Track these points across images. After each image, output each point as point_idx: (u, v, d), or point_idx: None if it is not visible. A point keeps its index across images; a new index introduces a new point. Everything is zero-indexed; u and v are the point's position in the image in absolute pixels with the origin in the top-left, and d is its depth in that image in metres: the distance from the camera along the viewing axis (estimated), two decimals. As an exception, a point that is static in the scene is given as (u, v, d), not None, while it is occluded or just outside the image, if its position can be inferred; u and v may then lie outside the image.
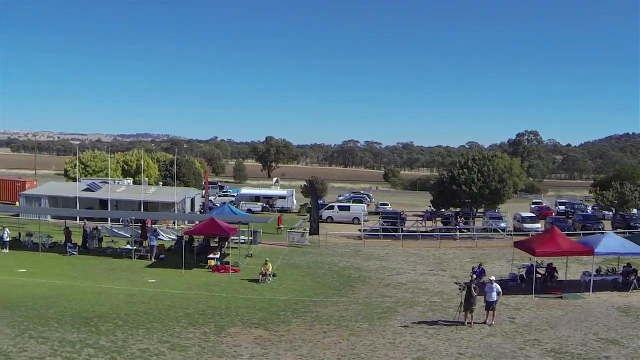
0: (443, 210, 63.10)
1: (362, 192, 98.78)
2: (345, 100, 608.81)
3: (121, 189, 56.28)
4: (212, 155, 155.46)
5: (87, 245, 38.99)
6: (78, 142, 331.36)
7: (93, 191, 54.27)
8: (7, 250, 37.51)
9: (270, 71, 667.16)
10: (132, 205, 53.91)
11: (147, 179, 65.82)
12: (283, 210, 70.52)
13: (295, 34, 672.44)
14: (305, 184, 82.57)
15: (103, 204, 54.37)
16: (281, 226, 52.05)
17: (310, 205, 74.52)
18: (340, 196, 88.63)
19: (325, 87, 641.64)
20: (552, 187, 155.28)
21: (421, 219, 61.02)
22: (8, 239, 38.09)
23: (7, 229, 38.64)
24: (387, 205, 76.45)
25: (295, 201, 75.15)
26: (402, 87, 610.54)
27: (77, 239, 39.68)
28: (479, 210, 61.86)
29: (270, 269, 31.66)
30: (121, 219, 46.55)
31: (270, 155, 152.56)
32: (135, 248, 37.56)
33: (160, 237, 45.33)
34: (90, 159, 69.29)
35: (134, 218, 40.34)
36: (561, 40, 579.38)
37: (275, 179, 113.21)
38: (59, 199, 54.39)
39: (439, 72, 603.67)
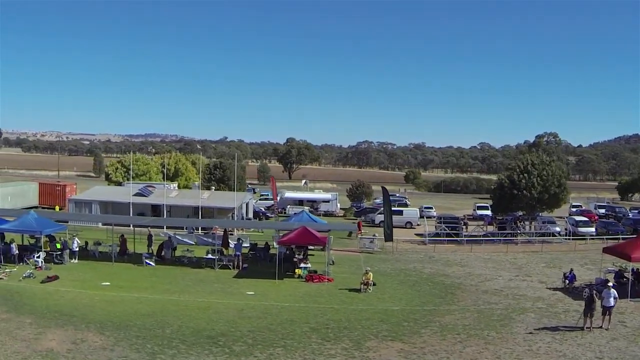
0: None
1: (397, 194, 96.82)
2: (357, 101, 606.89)
3: (173, 194, 54.42)
4: (232, 156, 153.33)
5: (163, 254, 37.20)
6: (87, 142, 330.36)
7: (145, 196, 52.40)
8: (76, 260, 35.71)
9: (279, 71, 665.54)
10: (185, 210, 52.28)
11: (196, 182, 64.00)
12: (328, 214, 69.21)
13: (305, 34, 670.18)
14: (351, 186, 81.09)
15: (155, 209, 52.68)
16: (360, 233, 49.51)
17: (356, 208, 73.53)
18: (376, 199, 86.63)
19: (336, 87, 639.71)
20: (572, 189, 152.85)
21: (482, 223, 59.52)
22: (77, 249, 36.23)
23: (77, 238, 36.77)
24: (431, 208, 74.91)
25: (338, 204, 73.57)
26: (413, 87, 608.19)
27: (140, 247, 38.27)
28: (539, 215, 60.47)
29: (371, 278, 30.63)
30: (187, 227, 44.63)
31: (292, 156, 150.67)
32: (218, 257, 35.69)
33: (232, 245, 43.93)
34: (132, 162, 67.24)
35: (218, 227, 38.52)
36: (568, 40, 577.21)
37: (303, 181, 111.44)
38: (110, 204, 52.44)
39: (449, 72, 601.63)
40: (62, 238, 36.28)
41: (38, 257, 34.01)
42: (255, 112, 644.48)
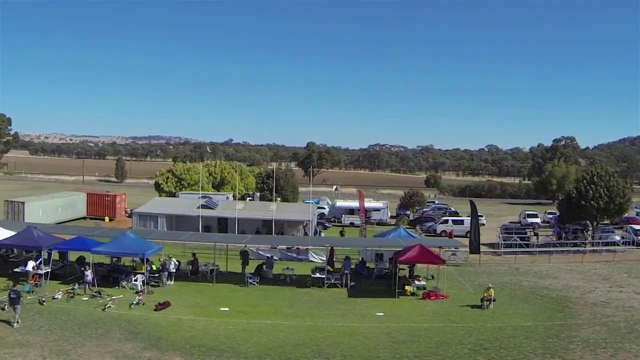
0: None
1: (437, 201, 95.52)
2: (365, 103, 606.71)
3: (240, 206, 52.86)
4: (252, 160, 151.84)
5: (262, 272, 35.86)
6: (92, 144, 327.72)
7: (211, 208, 50.83)
8: (172, 282, 34.06)
9: (285, 74, 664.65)
10: (254, 224, 50.84)
11: (250, 192, 62.49)
12: (380, 223, 68.15)
13: (309, 33, 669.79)
14: (404, 195, 79.83)
15: (222, 222, 51.21)
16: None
17: (409, 217, 72.28)
18: (423, 208, 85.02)
19: (344, 89, 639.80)
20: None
21: (550, 232, 59.06)
22: (174, 270, 34.68)
23: (174, 259, 35.17)
24: (481, 216, 73.57)
25: (388, 213, 72.35)
26: (420, 90, 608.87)
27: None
28: (605, 223, 60.33)
29: (493, 294, 30.38)
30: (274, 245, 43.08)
31: (312, 160, 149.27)
32: (326, 276, 34.48)
33: (311, 258, 42.57)
34: (183, 171, 65.61)
35: (327, 245, 37.26)
36: (571, 42, 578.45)
37: (334, 187, 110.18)
38: (177, 217, 50.74)
39: (455, 74, 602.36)
40: (160, 259, 34.48)
41: (136, 280, 32.49)
42: (260, 114, 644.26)
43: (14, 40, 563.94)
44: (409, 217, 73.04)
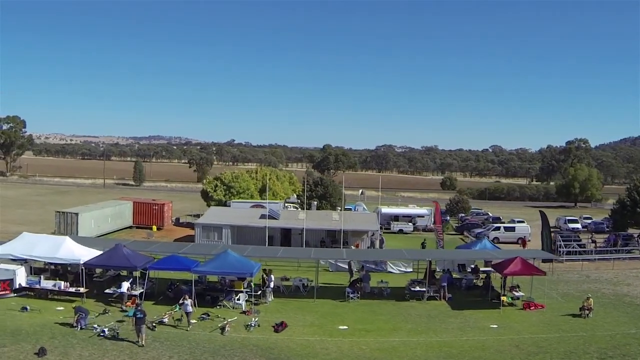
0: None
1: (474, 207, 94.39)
2: (369, 103, 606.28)
3: (302, 215, 51.70)
4: (268, 162, 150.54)
5: (359, 285, 35.11)
6: (93, 144, 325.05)
7: (275, 219, 49.61)
8: (271, 298, 33.05)
9: (287, 74, 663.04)
10: (318, 234, 49.69)
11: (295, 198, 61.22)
12: (427, 230, 67.30)
13: (311, 33, 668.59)
14: (450, 201, 79.11)
15: (285, 233, 50.05)
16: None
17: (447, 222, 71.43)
18: (466, 214, 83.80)
19: (347, 90, 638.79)
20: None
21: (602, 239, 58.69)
22: (272, 286, 33.60)
23: (272, 274, 34.07)
24: (522, 222, 72.81)
25: (432, 219, 71.30)
26: (424, 90, 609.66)
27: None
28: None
29: (592, 304, 31.05)
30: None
31: (329, 162, 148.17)
32: (427, 289, 34.29)
33: (389, 269, 41.77)
34: (232, 179, 64.26)
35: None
36: (571, 44, 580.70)
37: (360, 191, 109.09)
38: (242, 228, 49.42)
39: (458, 74, 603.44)
40: (263, 275, 33.40)
41: (238, 299, 31.48)
42: (262, 114, 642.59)
43: (10, 38, 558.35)
44: (447, 222, 72.34)
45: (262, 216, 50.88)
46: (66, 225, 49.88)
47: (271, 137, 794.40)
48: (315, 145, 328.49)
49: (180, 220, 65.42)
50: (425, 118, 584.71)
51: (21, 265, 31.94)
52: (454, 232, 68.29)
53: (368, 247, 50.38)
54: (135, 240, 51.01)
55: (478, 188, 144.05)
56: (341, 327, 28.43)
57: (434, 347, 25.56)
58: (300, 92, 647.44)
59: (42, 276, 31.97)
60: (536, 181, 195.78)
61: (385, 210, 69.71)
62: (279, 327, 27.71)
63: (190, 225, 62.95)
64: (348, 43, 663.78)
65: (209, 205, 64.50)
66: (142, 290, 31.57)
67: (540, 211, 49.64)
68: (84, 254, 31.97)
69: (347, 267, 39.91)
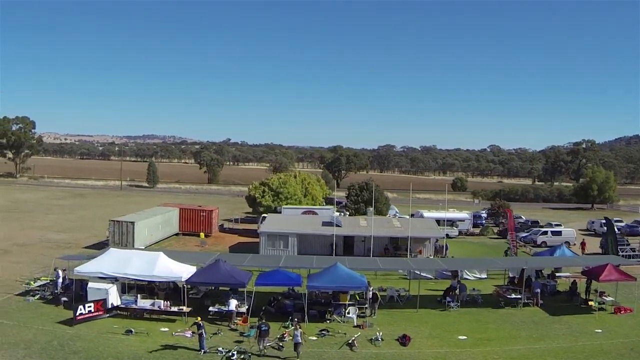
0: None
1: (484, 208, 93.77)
2: (368, 102, 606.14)
3: (362, 222, 50.67)
4: (279, 163, 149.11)
5: (454, 293, 34.70)
6: (88, 142, 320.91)
7: (338, 226, 48.48)
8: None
9: (279, 72, 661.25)
10: (383, 241, 48.68)
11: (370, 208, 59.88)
12: (468, 234, 67.01)
13: (309, 31, 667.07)
14: (491, 205, 78.35)
15: (348, 241, 48.97)
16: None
17: (501, 227, 70.68)
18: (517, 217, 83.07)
19: (344, 89, 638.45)
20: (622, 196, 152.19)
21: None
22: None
23: (372, 288, 32.93)
24: (560, 225, 72.38)
25: (472, 223, 70.82)
26: (422, 90, 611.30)
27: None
28: None
29: None
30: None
31: (341, 163, 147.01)
32: (518, 296, 34.48)
33: (466, 276, 41.26)
34: (279, 185, 62.90)
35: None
36: (567, 39, 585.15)
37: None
38: (308, 236, 48.11)
39: (457, 74, 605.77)
40: (371, 288, 32.38)
41: (348, 312, 30.46)
42: (257, 113, 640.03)
43: (3, 37, 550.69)
44: (488, 227, 71.66)
45: (325, 223, 49.86)
46: (121, 234, 48.19)
47: (267, 136, 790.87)
48: (312, 144, 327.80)
49: (224, 227, 63.92)
50: (423, 118, 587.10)
51: (113, 283, 30.26)
52: (496, 237, 67.54)
53: (433, 254, 49.64)
54: (200, 249, 50.12)
55: (492, 189, 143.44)
56: (460, 337, 28.20)
57: (559, 353, 25.80)
58: (298, 92, 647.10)
59: (138, 295, 30.33)
60: (538, 181, 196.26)
61: (428, 214, 68.79)
62: (404, 340, 27.07)
63: (237, 232, 61.75)
64: (346, 43, 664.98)
65: (258, 212, 63.27)
66: (247, 307, 30.25)
67: (605, 218, 49.06)
68: (181, 270, 30.56)
69: (425, 275, 39.25)
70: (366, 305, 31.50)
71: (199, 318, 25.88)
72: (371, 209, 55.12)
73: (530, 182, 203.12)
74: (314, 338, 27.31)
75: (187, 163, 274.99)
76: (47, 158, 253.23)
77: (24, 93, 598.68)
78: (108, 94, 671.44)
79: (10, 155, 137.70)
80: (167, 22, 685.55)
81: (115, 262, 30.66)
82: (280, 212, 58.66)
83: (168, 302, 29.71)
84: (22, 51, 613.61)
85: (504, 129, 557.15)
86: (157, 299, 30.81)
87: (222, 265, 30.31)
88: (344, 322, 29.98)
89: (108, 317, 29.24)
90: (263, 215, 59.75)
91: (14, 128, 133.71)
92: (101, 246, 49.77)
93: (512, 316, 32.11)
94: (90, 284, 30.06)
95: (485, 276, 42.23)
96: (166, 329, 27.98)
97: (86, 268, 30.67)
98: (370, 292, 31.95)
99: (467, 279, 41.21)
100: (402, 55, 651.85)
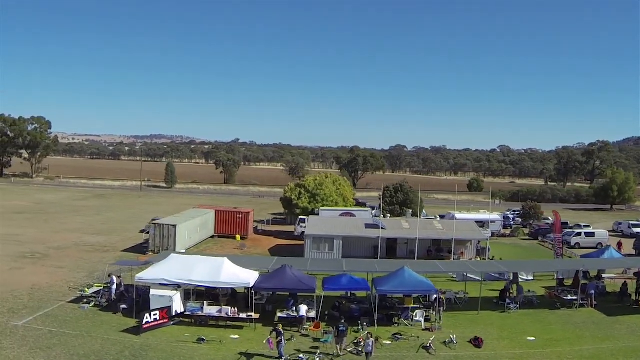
0: None
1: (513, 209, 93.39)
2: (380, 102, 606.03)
3: (405, 225, 50.11)
4: (295, 164, 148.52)
5: (509, 295, 34.58)
6: (89, 142, 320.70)
7: (382, 228, 47.94)
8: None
9: (288, 72, 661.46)
10: (425, 243, 48.17)
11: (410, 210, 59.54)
12: (500, 235, 66.90)
13: (316, 31, 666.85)
14: (523, 207, 77.79)
15: (390, 243, 48.45)
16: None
17: (533, 228, 70.12)
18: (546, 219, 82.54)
19: (351, 90, 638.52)
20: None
21: None
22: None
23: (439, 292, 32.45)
24: (588, 226, 71.78)
25: (502, 224, 70.58)
26: (432, 91, 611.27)
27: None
28: None
29: None
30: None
31: (357, 164, 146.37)
32: (573, 297, 34.46)
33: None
34: (315, 187, 62.33)
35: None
36: (575, 39, 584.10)
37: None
38: (352, 239, 47.56)
39: (467, 74, 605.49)
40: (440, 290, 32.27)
41: (415, 315, 30.10)
42: (266, 113, 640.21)
43: (9, 36, 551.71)
44: (518, 228, 71.36)
45: (368, 226, 49.35)
46: (162, 237, 47.55)
47: (275, 136, 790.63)
48: (321, 144, 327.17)
49: (257, 228, 63.37)
50: (433, 118, 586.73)
51: (176, 290, 29.47)
52: (527, 238, 67.09)
53: (475, 256, 49.19)
54: (241, 252, 49.52)
55: (509, 190, 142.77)
56: (529, 338, 28.26)
57: (628, 353, 25.91)
58: (306, 92, 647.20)
59: (205, 302, 29.58)
60: (551, 182, 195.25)
61: (459, 215, 68.22)
62: (476, 341, 26.94)
63: (272, 234, 61.25)
64: (354, 42, 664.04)
65: (293, 214, 62.81)
66: (314, 311, 29.60)
67: None
68: (247, 276, 29.98)
69: (473, 277, 38.65)
70: (431, 309, 31.11)
71: (280, 325, 25.33)
72: (410, 211, 54.52)
73: (543, 182, 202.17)
74: (388, 342, 26.96)
75: (198, 163, 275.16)
76: (57, 158, 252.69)
77: (30, 93, 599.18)
78: (115, 93, 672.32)
79: (26, 155, 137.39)
80: (179, 23, 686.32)
81: (178, 268, 29.85)
82: (317, 214, 58.02)
83: (235, 309, 29.04)
84: (27, 50, 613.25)
85: (513, 129, 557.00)
86: (223, 305, 30.14)
87: (288, 270, 29.75)
88: (411, 325, 29.66)
89: (172, 324, 28.52)
90: (300, 217, 59.28)
91: (29, 128, 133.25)
92: (138, 249, 49.37)
93: (571, 317, 32.17)
94: (153, 291, 29.24)
95: (532, 278, 41.91)
96: (236, 336, 27.35)
97: (148, 275, 29.94)
98: (436, 296, 31.49)
99: (524, 279, 40.82)
100: (411, 55, 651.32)
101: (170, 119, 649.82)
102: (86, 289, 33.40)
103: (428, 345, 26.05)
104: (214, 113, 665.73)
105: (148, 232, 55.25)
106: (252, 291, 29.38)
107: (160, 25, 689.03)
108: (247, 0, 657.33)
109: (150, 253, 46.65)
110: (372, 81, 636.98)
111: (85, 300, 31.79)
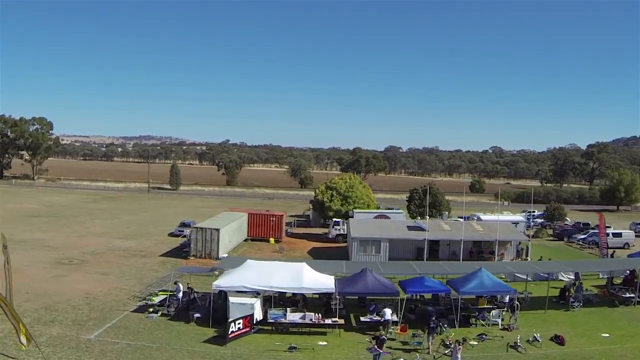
0: None
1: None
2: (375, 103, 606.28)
3: (445, 226, 49.94)
4: (297, 166, 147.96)
5: (569, 295, 35.05)
6: (79, 143, 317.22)
7: (424, 230, 47.76)
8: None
9: (278, 72, 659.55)
10: (466, 245, 48.17)
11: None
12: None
13: (303, 30, 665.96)
14: (547, 208, 77.98)
15: (432, 245, 48.27)
16: None
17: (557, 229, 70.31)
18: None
19: (342, 91, 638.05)
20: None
21: None
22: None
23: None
24: (609, 227, 71.91)
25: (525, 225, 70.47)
26: (424, 92, 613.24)
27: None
28: None
29: None
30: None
31: (360, 165, 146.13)
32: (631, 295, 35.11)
33: (561, 277, 41.10)
34: (346, 189, 61.89)
35: None
36: (565, 40, 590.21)
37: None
38: (398, 241, 47.23)
39: (459, 75, 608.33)
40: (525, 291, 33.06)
41: (492, 316, 30.13)
42: (257, 114, 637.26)
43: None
44: (543, 228, 71.62)
45: (410, 228, 49.14)
46: (204, 242, 46.65)
47: (265, 137, 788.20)
48: (312, 146, 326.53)
49: (288, 231, 62.74)
50: (425, 119, 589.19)
51: (256, 297, 28.69)
52: (551, 239, 67.36)
53: (515, 257, 49.20)
54: (281, 255, 48.85)
55: (514, 192, 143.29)
56: (603, 334, 28.79)
57: None
58: (296, 93, 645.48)
59: (288, 309, 28.95)
60: (546, 183, 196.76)
61: (484, 217, 68.32)
62: (558, 339, 27.44)
63: (304, 236, 60.70)
64: (342, 42, 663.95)
65: (328, 216, 62.41)
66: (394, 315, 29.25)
67: None
68: (327, 281, 29.47)
69: (521, 277, 38.92)
70: (506, 309, 31.13)
71: (383, 332, 24.89)
72: (446, 212, 54.37)
73: (538, 183, 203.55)
74: (475, 343, 27.03)
75: (192, 164, 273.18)
76: (50, 159, 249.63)
77: (17, 93, 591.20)
78: (102, 93, 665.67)
79: (27, 156, 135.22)
80: (169, 23, 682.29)
81: (257, 274, 28.97)
82: (352, 217, 57.60)
83: (319, 315, 28.48)
84: (13, 50, 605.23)
85: (505, 131, 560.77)
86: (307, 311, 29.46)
87: (369, 274, 29.33)
88: (488, 325, 29.74)
89: (253, 333, 27.65)
90: (335, 219, 58.84)
91: (31, 129, 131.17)
92: (176, 253, 48.53)
93: (632, 314, 32.89)
94: (232, 299, 28.34)
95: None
96: (324, 343, 26.81)
97: (225, 282, 29.07)
98: (511, 296, 31.45)
99: (561, 279, 40.96)
100: (401, 56, 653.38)
101: (159, 120, 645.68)
102: (153, 298, 32.30)
103: (516, 344, 26.33)
104: (203, 114, 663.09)
105: (184, 236, 54.63)
106: (337, 296, 28.78)
107: (150, 26, 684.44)
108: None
109: (192, 258, 45.98)
110: (365, 81, 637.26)
111: (151, 310, 30.58)
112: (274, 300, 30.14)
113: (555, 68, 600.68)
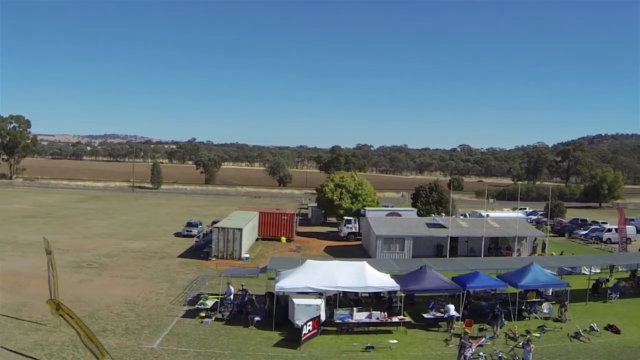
0: None
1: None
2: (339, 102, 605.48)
3: (463, 223, 50.58)
4: (277, 164, 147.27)
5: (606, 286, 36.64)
6: (53, 142, 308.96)
7: (445, 227, 48.27)
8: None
9: (248, 70, 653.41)
10: (485, 241, 48.71)
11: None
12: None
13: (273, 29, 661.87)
14: (547, 205, 79.05)
15: (452, 241, 48.76)
16: None
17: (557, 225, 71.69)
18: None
19: (316, 90, 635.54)
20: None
21: None
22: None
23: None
24: (605, 223, 73.97)
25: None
26: (395, 90, 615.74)
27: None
28: None
29: None
30: None
31: (340, 164, 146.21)
32: None
33: (583, 271, 41.87)
34: (355, 187, 61.87)
35: None
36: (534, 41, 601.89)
37: (401, 193, 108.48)
38: (421, 238, 47.68)
39: (427, 76, 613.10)
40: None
41: (543, 308, 31.23)
42: (222, 112, 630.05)
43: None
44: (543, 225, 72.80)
45: (430, 225, 49.51)
46: (226, 242, 45.90)
47: (232, 135, 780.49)
48: (280, 144, 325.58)
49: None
50: (393, 117, 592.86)
51: (321, 298, 28.20)
52: (553, 235, 68.61)
53: (531, 253, 50.17)
54: (300, 255, 48.42)
55: (494, 189, 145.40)
56: None
57: None
58: (265, 90, 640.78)
59: (354, 309, 28.49)
60: (518, 180, 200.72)
61: (493, 214, 69.17)
62: (612, 328, 28.61)
63: (313, 235, 60.42)
64: (312, 40, 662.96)
65: (337, 215, 62.25)
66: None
67: None
68: (389, 279, 29.40)
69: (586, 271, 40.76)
70: (554, 301, 32.00)
71: (467, 329, 25.03)
72: (459, 209, 54.94)
73: (510, 181, 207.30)
74: (538, 335, 27.62)
75: (162, 163, 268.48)
76: (36, 160, 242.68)
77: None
78: (66, 91, 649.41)
79: (4, 155, 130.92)
80: (125, 17, 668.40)
81: (319, 275, 28.46)
82: (364, 215, 57.64)
83: (385, 313, 28.42)
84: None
85: (473, 129, 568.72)
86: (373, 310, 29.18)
87: (429, 271, 29.49)
88: (541, 318, 30.53)
89: (319, 334, 27.08)
90: (346, 218, 58.78)
91: (8, 127, 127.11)
92: (192, 254, 47.67)
93: None
94: (297, 301, 27.81)
95: (599, 270, 43.25)
96: (395, 341, 26.61)
97: (288, 283, 28.31)
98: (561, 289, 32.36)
99: (584, 273, 41.67)
100: (372, 55, 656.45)
101: (123, 119, 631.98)
102: (206, 302, 31.00)
103: (578, 334, 27.40)
104: (168, 112, 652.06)
105: (197, 237, 53.81)
106: (403, 294, 28.73)
107: (114, 23, 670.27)
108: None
109: (214, 258, 45.28)
110: (333, 79, 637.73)
111: (204, 314, 29.38)
112: (339, 300, 29.71)
113: (521, 67, 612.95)
